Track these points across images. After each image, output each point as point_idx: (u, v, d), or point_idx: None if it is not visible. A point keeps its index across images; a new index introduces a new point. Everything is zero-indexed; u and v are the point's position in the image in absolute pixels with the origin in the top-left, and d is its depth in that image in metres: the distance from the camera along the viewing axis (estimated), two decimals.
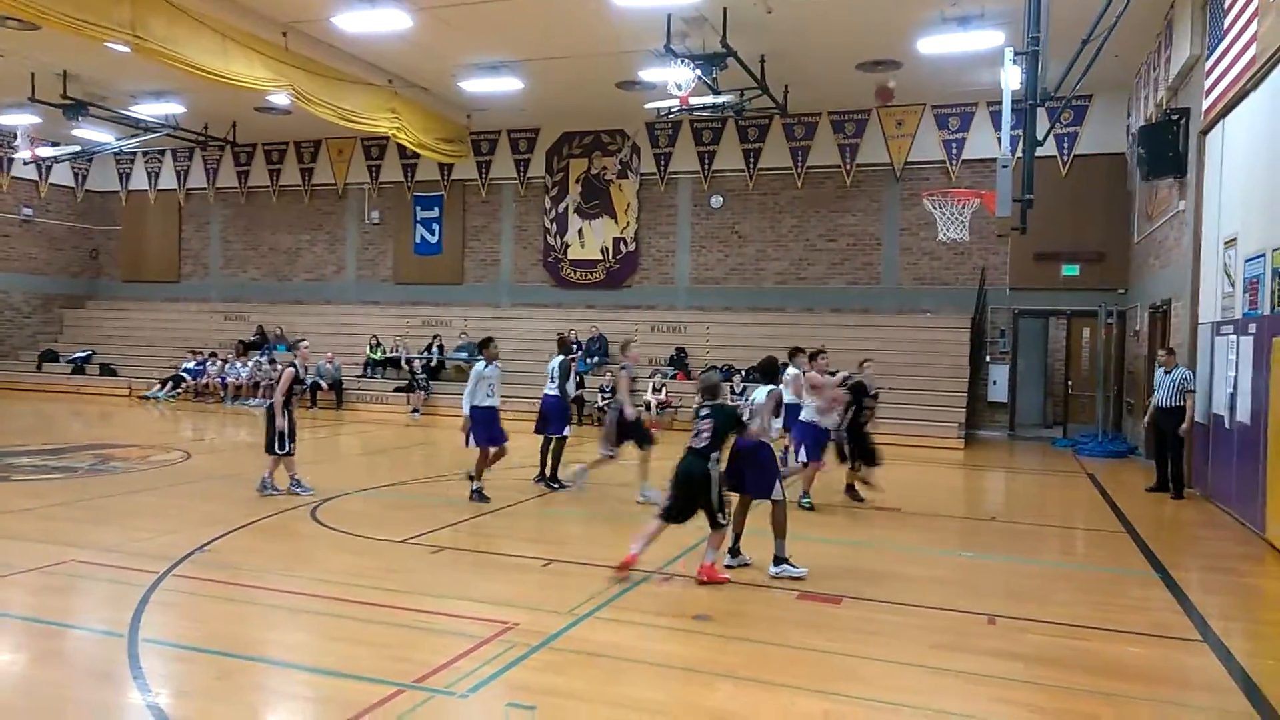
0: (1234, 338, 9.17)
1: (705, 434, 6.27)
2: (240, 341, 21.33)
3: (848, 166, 18.25)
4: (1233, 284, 9.55)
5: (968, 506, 11.02)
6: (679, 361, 18.21)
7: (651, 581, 6.30)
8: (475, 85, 16.89)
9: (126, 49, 12.60)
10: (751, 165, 18.94)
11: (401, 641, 5.05)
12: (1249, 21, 9.16)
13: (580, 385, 16.63)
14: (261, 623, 5.43)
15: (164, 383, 20.12)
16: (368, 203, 22.31)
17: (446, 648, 4.84)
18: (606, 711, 4.14)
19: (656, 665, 4.84)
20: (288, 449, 8.89)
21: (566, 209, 20.59)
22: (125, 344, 22.68)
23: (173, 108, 19.19)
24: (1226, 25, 9.97)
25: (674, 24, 12.99)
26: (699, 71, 14.11)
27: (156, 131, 20.27)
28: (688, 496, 6.22)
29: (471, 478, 9.12)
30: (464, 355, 19.50)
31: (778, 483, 6.50)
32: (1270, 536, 7.72)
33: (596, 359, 18.37)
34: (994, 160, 10.64)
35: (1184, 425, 10.20)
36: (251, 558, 6.79)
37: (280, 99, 16.14)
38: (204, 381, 19.99)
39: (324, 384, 18.98)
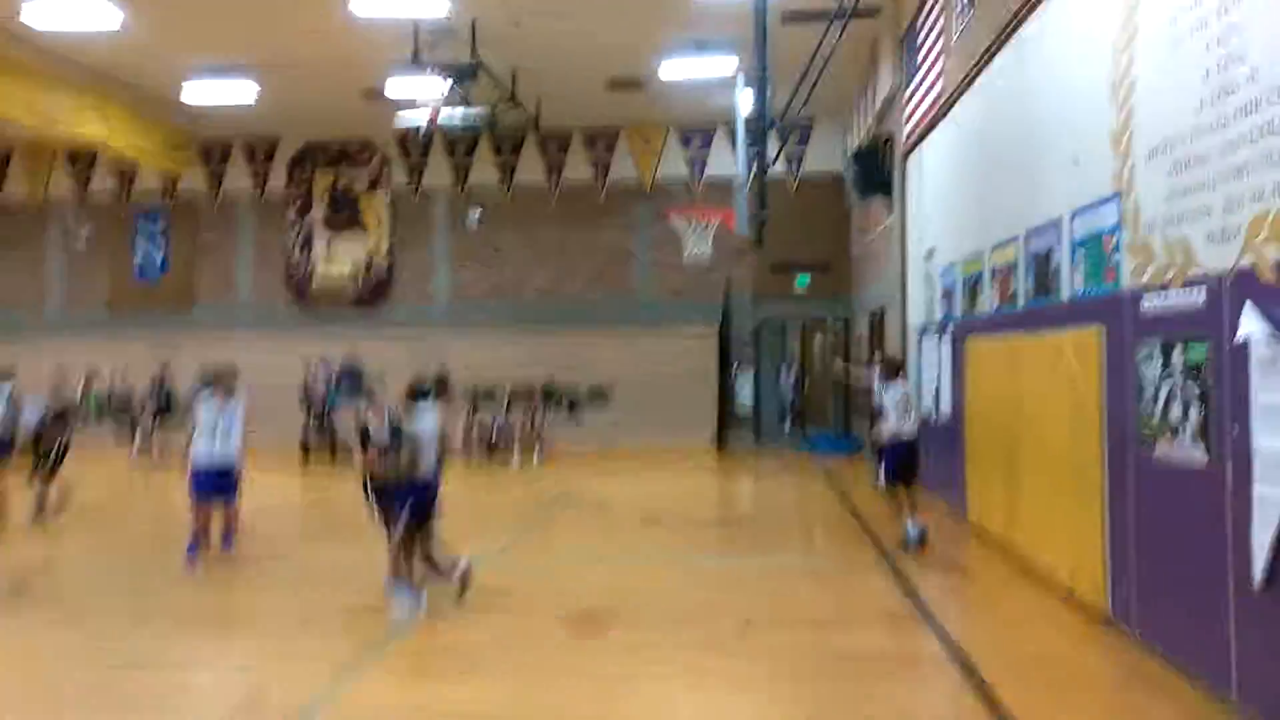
0: (936, 339, 10.40)
1: None
2: None
3: (601, 183, 18.72)
4: (932, 291, 10.84)
5: (718, 512, 11.69)
6: (441, 387, 17.72)
7: (409, 626, 6.05)
8: (203, 90, 15.54)
9: None
10: (508, 180, 18.92)
11: None
12: (937, 59, 10.46)
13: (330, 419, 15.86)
14: None
15: None
16: (74, 221, 19.77)
17: None
18: None
19: None
20: None
21: (312, 224, 19.45)
22: None
23: None
24: (919, 61, 11.32)
25: (421, 34, 12.70)
26: (449, 83, 13.87)
27: None
28: None
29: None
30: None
31: None
32: (971, 518, 8.81)
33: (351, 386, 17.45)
34: (734, 178, 11.39)
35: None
36: None
37: None
38: None
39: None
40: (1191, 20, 4.72)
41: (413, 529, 6.09)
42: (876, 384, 11.45)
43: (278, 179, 19.46)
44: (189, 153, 18.49)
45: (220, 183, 19.54)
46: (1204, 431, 4.42)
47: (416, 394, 6.44)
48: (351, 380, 17.59)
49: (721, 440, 16.83)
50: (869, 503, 10.54)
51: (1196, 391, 4.49)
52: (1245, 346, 3.96)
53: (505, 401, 16.80)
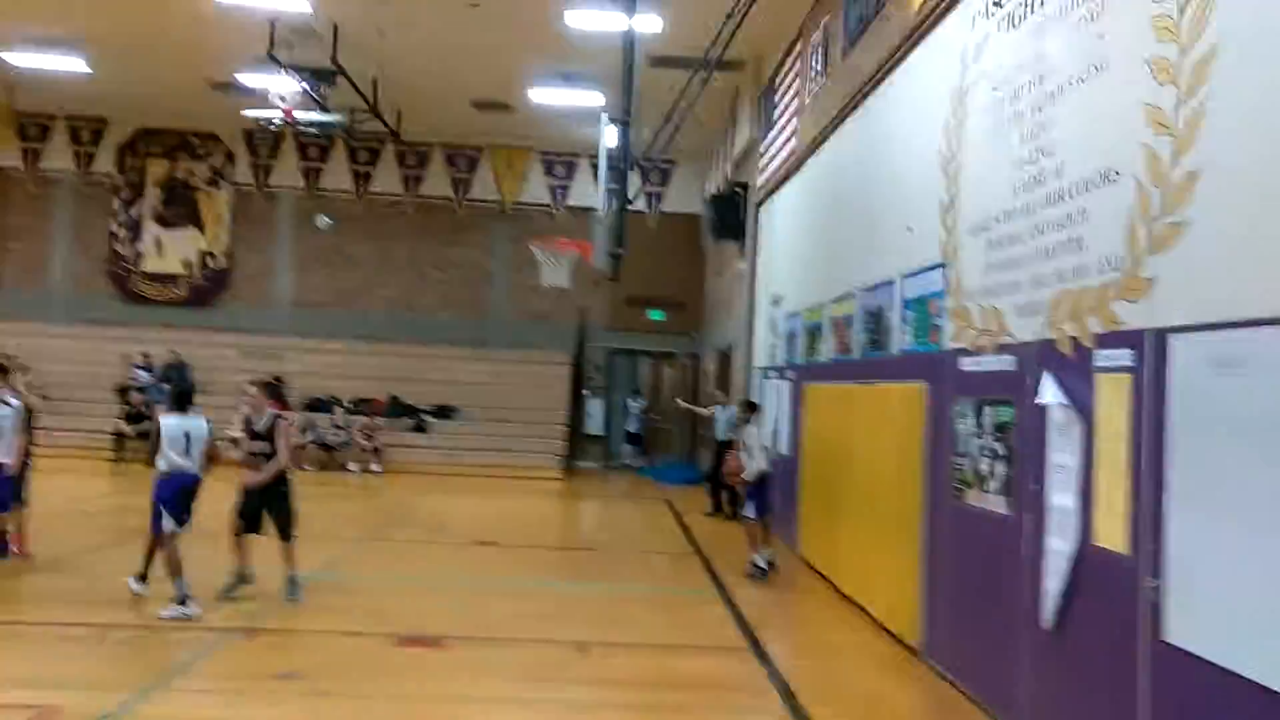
0: (777, 381, 10.92)
1: None
2: None
3: (459, 200, 18.53)
4: (777, 336, 11.39)
5: (561, 536, 11.71)
6: (275, 391, 16.86)
7: (231, 644, 5.75)
8: (25, 58, 14.28)
9: None
10: (362, 187, 18.39)
11: None
12: (791, 117, 11.08)
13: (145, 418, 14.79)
14: None
15: None
16: None
17: None
18: None
19: None
20: None
21: (141, 214, 18.16)
22: None
23: None
24: (776, 117, 11.95)
25: (280, 31, 12.22)
26: (306, 85, 13.43)
27: None
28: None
29: None
30: None
31: None
32: (802, 553, 9.26)
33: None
34: (594, 210, 11.58)
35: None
36: None
37: None
38: None
39: None
40: (1010, 113, 5.27)
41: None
42: (722, 419, 11.89)
43: (104, 163, 18.09)
44: (2, 126, 16.89)
45: (37, 160, 17.94)
46: (1008, 485, 4.90)
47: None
48: (177, 377, 16.53)
49: (569, 464, 16.88)
50: (708, 531, 10.88)
51: (1003, 449, 4.98)
52: (1044, 411, 4.43)
53: (345, 411, 16.19)
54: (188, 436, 6.29)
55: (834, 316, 8.71)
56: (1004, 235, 5.22)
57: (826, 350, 8.95)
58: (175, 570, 6.09)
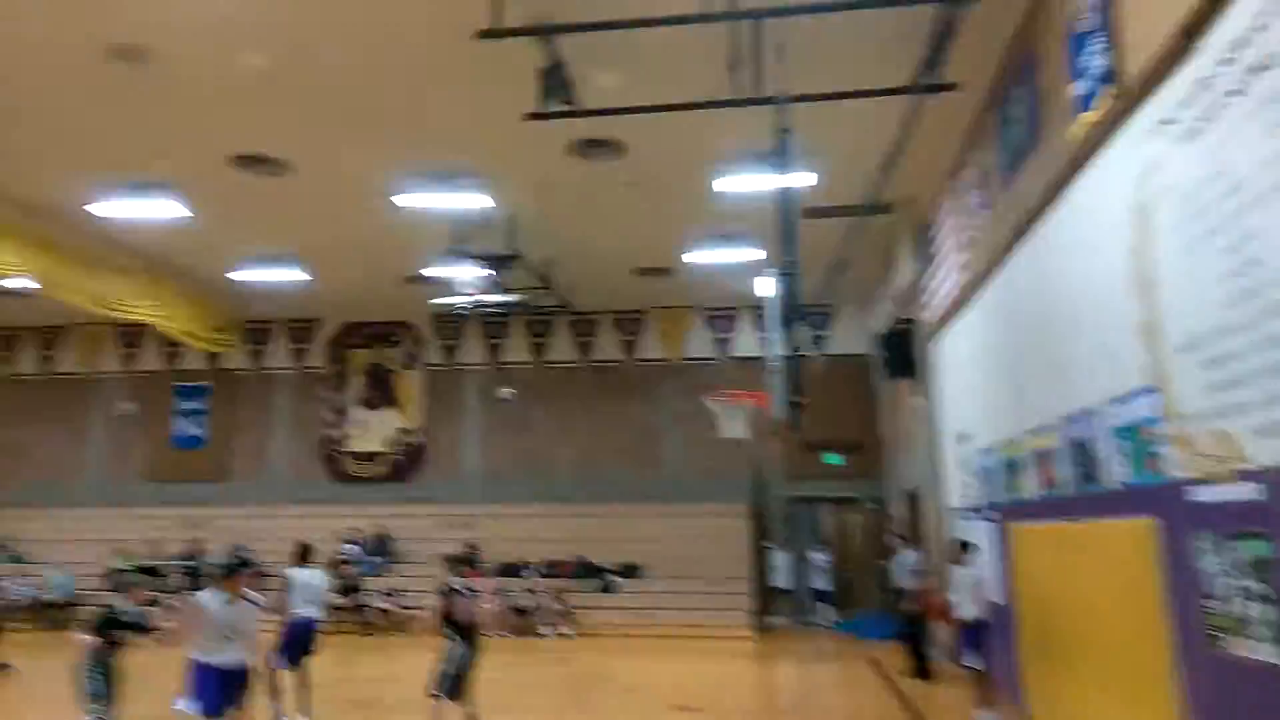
0: (977, 523, 10.28)
1: None
2: None
3: (629, 362, 19.21)
4: (970, 474, 10.82)
5: (764, 702, 11.18)
6: (468, 561, 17.50)
7: None
8: (253, 275, 16.42)
9: None
10: (539, 359, 19.48)
11: None
12: (955, 251, 10.95)
13: (357, 589, 15.81)
14: None
15: None
16: (119, 393, 20.42)
17: None
18: None
19: None
20: None
21: (347, 400, 19.94)
22: None
23: None
24: (938, 252, 11.85)
25: (462, 227, 13.51)
26: (488, 271, 14.61)
27: None
28: None
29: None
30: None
31: None
32: (1031, 713, 8.38)
33: (380, 559, 17.43)
34: (758, 359, 11.68)
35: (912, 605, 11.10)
36: None
37: (21, 283, 14.72)
38: None
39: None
40: (1204, 227, 5.02)
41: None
42: (904, 565, 11.26)
43: (316, 357, 20.17)
44: (233, 334, 19.26)
45: (261, 360, 20.24)
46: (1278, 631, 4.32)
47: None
48: (380, 549, 17.62)
49: (759, 621, 16.31)
50: (920, 694, 10.10)
51: (1265, 590, 4.42)
52: None
53: (537, 575, 16.57)
54: (310, 587, 8.35)
55: (1035, 451, 8.23)
56: (1222, 353, 4.86)
57: (1030, 487, 8.41)
58: (274, 695, 7.87)
